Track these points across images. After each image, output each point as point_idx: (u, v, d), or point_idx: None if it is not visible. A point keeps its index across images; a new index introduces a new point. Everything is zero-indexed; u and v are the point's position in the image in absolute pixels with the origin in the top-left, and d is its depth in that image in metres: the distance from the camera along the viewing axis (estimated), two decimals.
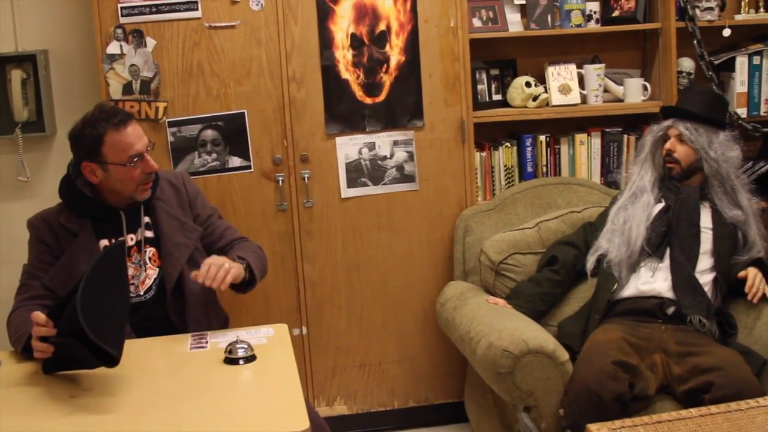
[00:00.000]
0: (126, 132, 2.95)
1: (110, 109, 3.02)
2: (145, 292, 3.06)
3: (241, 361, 2.59)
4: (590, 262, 3.59)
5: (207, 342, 2.81)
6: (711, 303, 3.38)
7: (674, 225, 3.51)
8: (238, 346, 2.62)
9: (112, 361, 2.47)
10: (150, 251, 3.10)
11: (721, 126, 3.60)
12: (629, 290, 3.46)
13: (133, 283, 3.03)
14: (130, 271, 3.03)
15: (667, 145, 3.60)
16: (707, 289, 3.41)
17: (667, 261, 3.46)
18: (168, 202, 3.17)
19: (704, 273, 3.44)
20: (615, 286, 3.46)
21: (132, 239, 3.07)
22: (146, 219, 3.11)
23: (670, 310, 3.36)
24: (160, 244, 3.10)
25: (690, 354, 3.14)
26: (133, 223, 3.08)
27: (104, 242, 3.04)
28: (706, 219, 3.53)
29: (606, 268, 3.52)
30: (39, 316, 2.55)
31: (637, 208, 3.56)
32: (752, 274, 3.40)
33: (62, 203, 3.08)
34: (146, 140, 3.01)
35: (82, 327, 2.36)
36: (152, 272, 3.09)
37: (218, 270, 2.86)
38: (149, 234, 3.11)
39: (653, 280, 3.44)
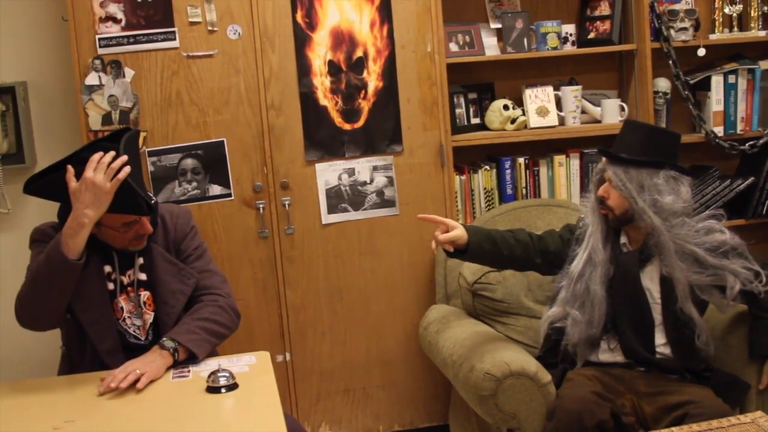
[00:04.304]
0: None
1: None
2: (145, 338, 3.01)
3: (223, 390, 2.59)
4: (543, 328, 3.33)
5: (189, 371, 2.81)
6: (678, 361, 3.19)
7: (618, 301, 3.19)
8: (219, 374, 2.62)
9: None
10: (144, 295, 3.01)
11: (658, 166, 3.11)
12: (593, 356, 3.26)
13: (130, 317, 2.98)
14: (128, 306, 2.98)
15: (600, 191, 3.19)
16: (669, 353, 3.19)
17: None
18: (161, 243, 3.05)
19: (664, 345, 3.22)
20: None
21: (128, 278, 2.98)
22: (140, 260, 3.00)
23: (638, 372, 3.18)
24: (155, 290, 3.00)
25: (661, 393, 3.06)
26: (126, 263, 2.99)
27: (107, 267, 2.96)
28: (654, 287, 3.21)
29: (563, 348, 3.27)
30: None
31: (596, 279, 3.16)
32: None
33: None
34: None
35: None
36: (148, 317, 3.00)
37: (126, 375, 2.66)
38: (142, 276, 3.01)
39: (613, 355, 3.23)
